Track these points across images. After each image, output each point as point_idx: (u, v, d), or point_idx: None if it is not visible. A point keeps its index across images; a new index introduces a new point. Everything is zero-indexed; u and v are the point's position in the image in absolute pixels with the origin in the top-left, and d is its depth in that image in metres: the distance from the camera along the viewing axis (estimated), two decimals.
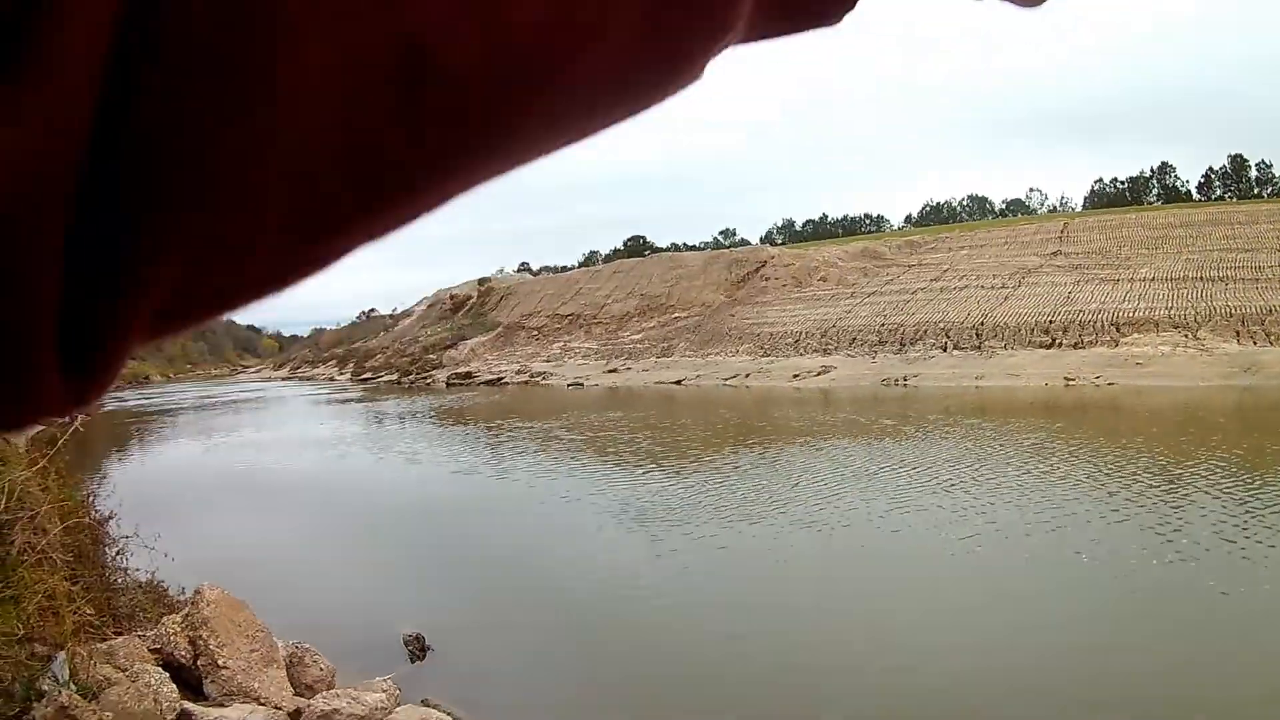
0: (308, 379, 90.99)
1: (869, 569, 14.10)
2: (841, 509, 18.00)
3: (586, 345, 74.95)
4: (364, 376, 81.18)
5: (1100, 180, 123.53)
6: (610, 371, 64.48)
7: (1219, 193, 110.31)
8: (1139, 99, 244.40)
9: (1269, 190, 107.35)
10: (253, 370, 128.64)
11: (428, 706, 8.54)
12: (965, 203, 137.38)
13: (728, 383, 55.03)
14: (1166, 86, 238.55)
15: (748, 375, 55.97)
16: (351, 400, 58.36)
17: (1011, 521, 16.30)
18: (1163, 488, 18.84)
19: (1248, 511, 16.02)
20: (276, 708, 7.42)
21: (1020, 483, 20.23)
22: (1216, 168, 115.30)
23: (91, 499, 11.17)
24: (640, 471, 23.82)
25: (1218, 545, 13.88)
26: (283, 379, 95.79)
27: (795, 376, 53.64)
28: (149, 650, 7.58)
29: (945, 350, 53.78)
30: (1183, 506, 16.78)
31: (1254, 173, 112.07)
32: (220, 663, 7.66)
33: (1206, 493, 17.93)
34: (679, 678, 9.96)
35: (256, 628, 8.36)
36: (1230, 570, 12.58)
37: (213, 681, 7.62)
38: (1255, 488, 18.44)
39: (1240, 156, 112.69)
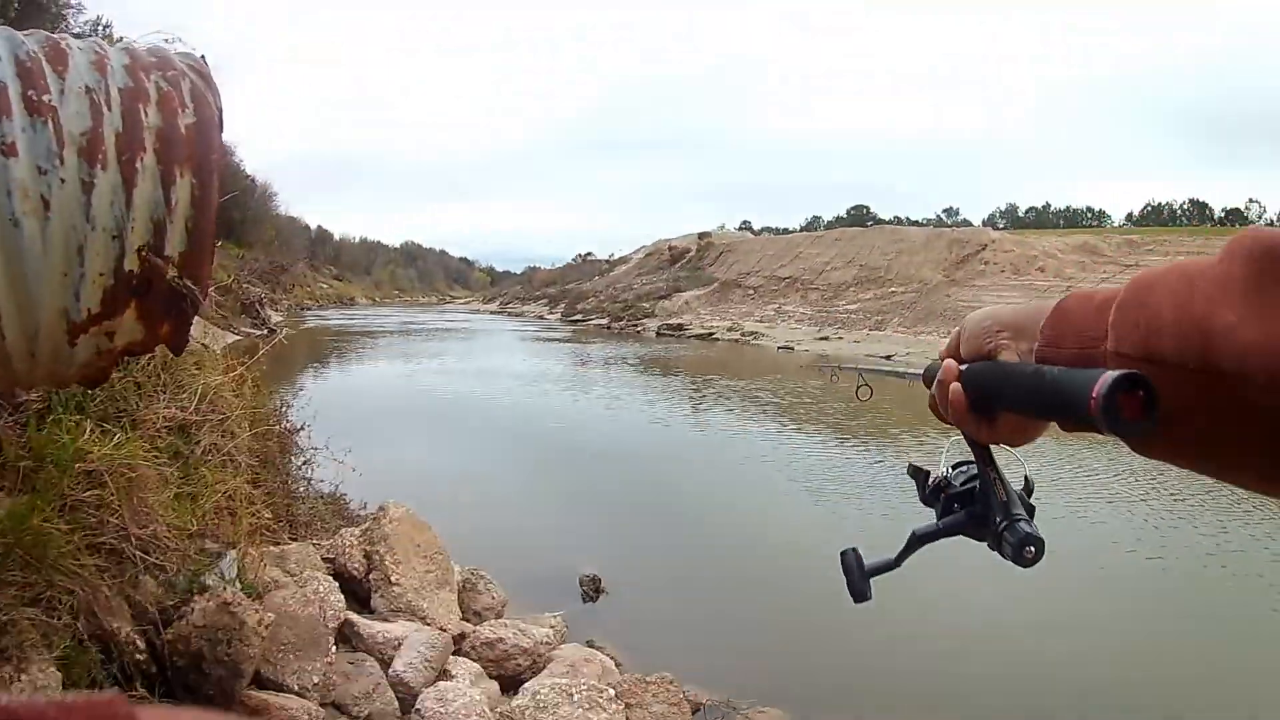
0: (516, 315, 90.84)
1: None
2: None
3: (801, 310, 73.61)
4: (574, 318, 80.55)
5: None
6: (821, 338, 62.81)
7: None
8: None
9: None
10: (461, 301, 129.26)
11: (592, 647, 8.49)
12: (1185, 206, 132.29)
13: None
14: None
15: None
16: (558, 339, 58.35)
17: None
18: None
19: None
20: (441, 629, 7.38)
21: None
22: None
23: (285, 409, 11.31)
24: (834, 444, 23.16)
25: None
26: (491, 312, 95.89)
27: None
28: (322, 559, 7.67)
29: None
30: None
31: None
32: (393, 579, 7.69)
33: None
34: (847, 652, 9.59)
35: (436, 549, 8.38)
36: None
37: (382, 596, 7.65)
38: None
39: None
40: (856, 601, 1.39)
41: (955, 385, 1.09)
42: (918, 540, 1.34)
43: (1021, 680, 9.05)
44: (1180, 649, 9.65)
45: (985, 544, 1.24)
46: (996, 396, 1.05)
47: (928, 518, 1.33)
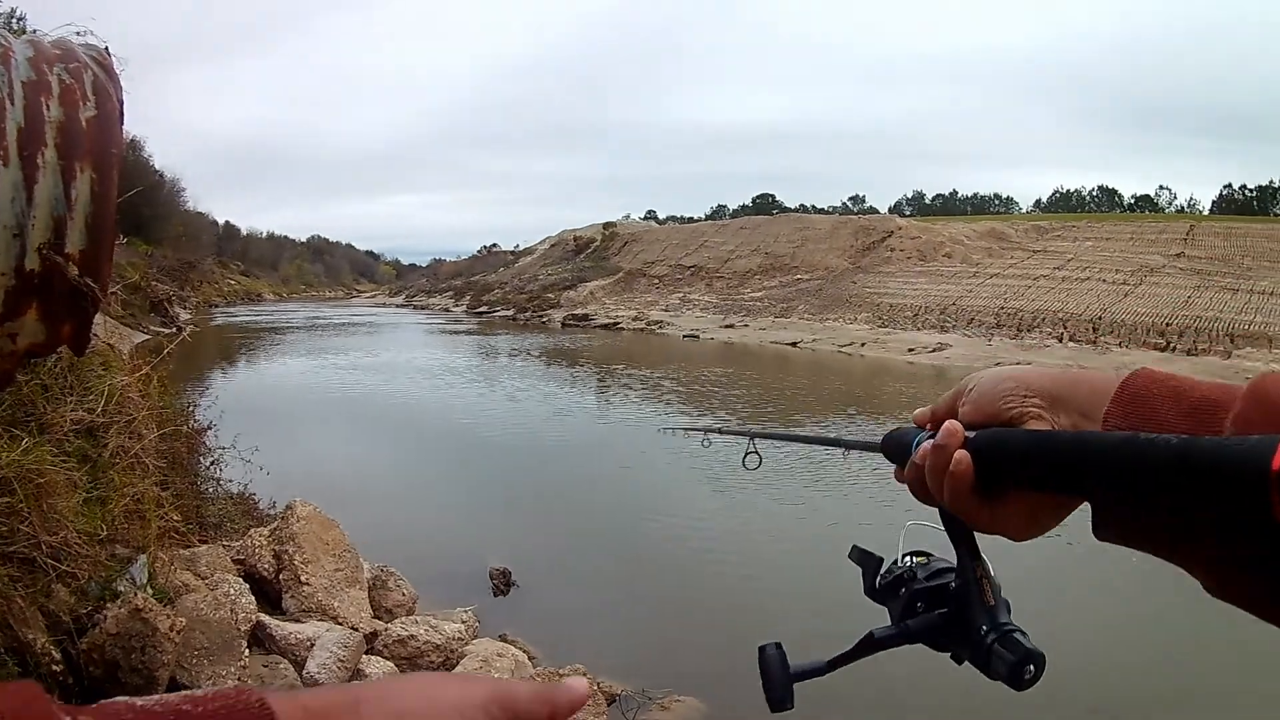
0: (422, 308, 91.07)
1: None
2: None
3: (706, 298, 74.49)
4: (479, 310, 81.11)
5: (1229, 185, 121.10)
6: (727, 326, 63.86)
7: None
8: (1276, 106, 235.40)
9: None
10: (367, 295, 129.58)
11: (505, 641, 8.59)
12: (1094, 193, 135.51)
13: (842, 349, 54.24)
14: None
15: (863, 344, 54.97)
16: (464, 332, 58.65)
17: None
18: None
19: None
20: (353, 628, 7.42)
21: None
22: None
23: (191, 409, 11.27)
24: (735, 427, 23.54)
25: None
26: (397, 306, 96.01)
27: (910, 350, 52.71)
28: (232, 560, 7.64)
29: (1061, 341, 52.44)
30: None
31: None
32: (303, 579, 7.69)
33: None
34: (754, 636, 9.74)
35: (344, 548, 8.41)
36: None
37: (293, 597, 7.64)
38: None
39: None
40: (774, 710, 1.16)
41: (961, 454, 0.93)
42: (874, 644, 1.14)
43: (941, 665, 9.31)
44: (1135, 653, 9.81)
45: (951, 655, 1.10)
46: (1023, 471, 0.88)
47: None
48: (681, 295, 76.19)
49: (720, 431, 2.89)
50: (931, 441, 0.98)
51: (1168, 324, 51.60)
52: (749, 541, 13.66)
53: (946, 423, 0.98)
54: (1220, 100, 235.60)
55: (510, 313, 75.90)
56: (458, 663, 7.54)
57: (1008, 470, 0.90)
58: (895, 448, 1.12)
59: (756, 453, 2.05)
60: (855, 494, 15.78)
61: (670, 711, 8.09)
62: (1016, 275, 64.42)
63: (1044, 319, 55.23)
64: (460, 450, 19.60)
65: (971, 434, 0.95)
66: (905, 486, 1.06)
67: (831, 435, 1.52)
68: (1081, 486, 0.83)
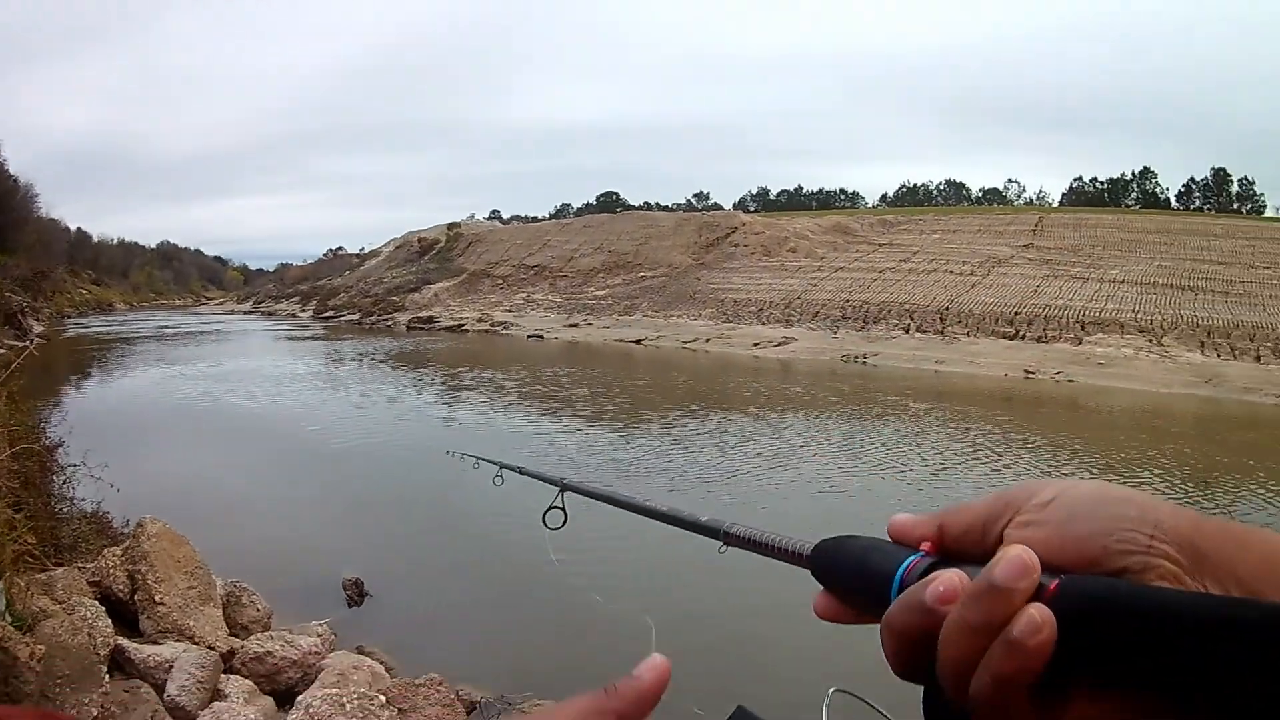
0: (270, 314, 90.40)
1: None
2: (777, 483, 18.43)
3: (550, 298, 75.03)
4: (325, 315, 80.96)
5: (1079, 178, 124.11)
6: (571, 325, 64.59)
7: (1198, 204, 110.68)
8: (1126, 100, 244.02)
9: (1249, 207, 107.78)
10: (216, 302, 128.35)
11: (361, 654, 8.55)
12: (942, 187, 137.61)
13: (687, 345, 55.20)
14: (1155, 89, 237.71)
15: (708, 340, 56.09)
16: (310, 338, 58.25)
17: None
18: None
19: None
20: (210, 647, 7.33)
21: (963, 465, 20.87)
22: (1199, 179, 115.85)
23: (43, 425, 11.03)
24: (584, 429, 24.27)
25: None
26: (245, 312, 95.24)
27: (755, 345, 53.79)
28: (88, 583, 7.51)
29: (908, 332, 53.92)
30: None
31: (1235, 188, 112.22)
32: (157, 598, 7.58)
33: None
34: (609, 638, 9.64)
35: (196, 564, 8.29)
36: None
37: (148, 617, 7.53)
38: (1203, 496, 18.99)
39: (1223, 170, 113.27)
40: None
41: (1042, 614, 0.54)
42: None
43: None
44: None
45: None
46: (1157, 664, 0.48)
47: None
48: (526, 295, 76.64)
49: (521, 471, 2.62)
50: (981, 581, 0.58)
51: (1016, 313, 52.86)
52: (599, 542, 13.83)
53: (1014, 550, 0.59)
54: (1068, 96, 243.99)
55: (356, 317, 76.10)
56: (315, 677, 7.48)
57: (1118, 657, 0.51)
58: (848, 568, 0.73)
59: (563, 509, 1.85)
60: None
61: (532, 717, 8.21)
62: (862, 269, 65.54)
63: (890, 311, 56.24)
64: (307, 459, 19.49)
65: (1054, 579, 0.56)
66: (828, 624, 0.75)
67: (681, 512, 1.23)
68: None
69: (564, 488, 1.85)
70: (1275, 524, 16.64)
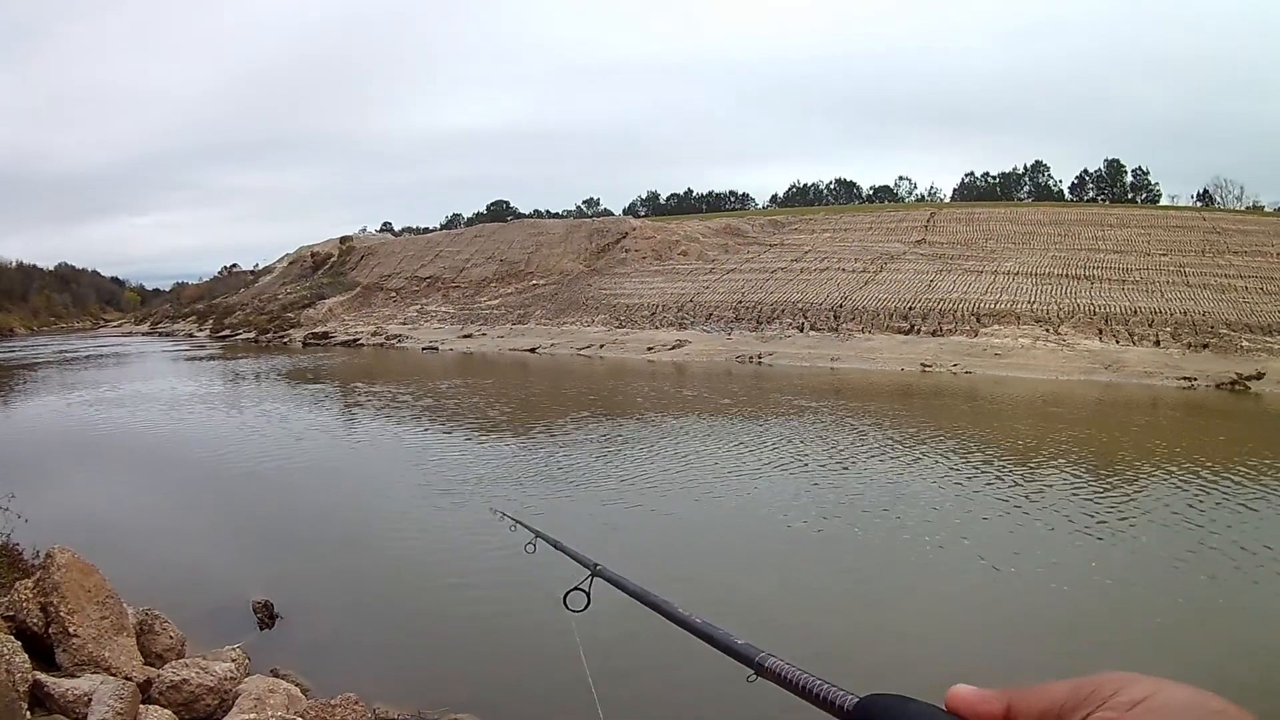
0: (167, 334, 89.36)
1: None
2: (667, 485, 18.71)
3: (444, 309, 75.04)
4: (222, 333, 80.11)
5: (971, 174, 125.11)
6: (465, 336, 64.87)
7: (1092, 195, 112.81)
8: (1018, 95, 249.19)
9: (1144, 196, 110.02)
10: (114, 324, 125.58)
11: (276, 676, 8.42)
12: (833, 187, 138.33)
13: (581, 352, 55.60)
14: (1047, 83, 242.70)
15: (602, 346, 56.59)
16: (207, 358, 57.55)
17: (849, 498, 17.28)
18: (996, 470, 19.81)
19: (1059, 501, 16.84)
20: (127, 678, 7.10)
21: (863, 462, 21.04)
22: (1091, 170, 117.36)
23: None
24: (478, 441, 24.29)
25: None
26: (143, 334, 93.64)
27: (649, 349, 54.34)
28: (2, 618, 7.31)
29: (802, 330, 54.54)
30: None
31: (1130, 178, 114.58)
32: (71, 630, 7.34)
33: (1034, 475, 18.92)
34: (519, 648, 10.07)
35: (106, 593, 8.03)
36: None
37: (64, 650, 7.30)
38: (1098, 476, 19.61)
39: (1117, 161, 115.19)
40: None
41: None
42: None
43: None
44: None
45: None
46: None
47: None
48: (419, 307, 76.49)
49: (556, 545, 2.55)
50: None
51: (910, 308, 53.43)
52: (506, 554, 13.88)
53: None
54: (959, 93, 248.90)
55: (252, 334, 75.55)
56: (233, 703, 7.29)
57: None
58: None
59: (586, 591, 1.81)
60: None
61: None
62: (754, 269, 66.19)
63: (784, 310, 56.67)
64: (208, 483, 19.14)
65: None
66: None
67: (715, 630, 1.17)
68: None
69: (595, 573, 1.77)
70: (1176, 502, 17.14)
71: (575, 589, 1.64)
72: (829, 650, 9.91)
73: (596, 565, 1.73)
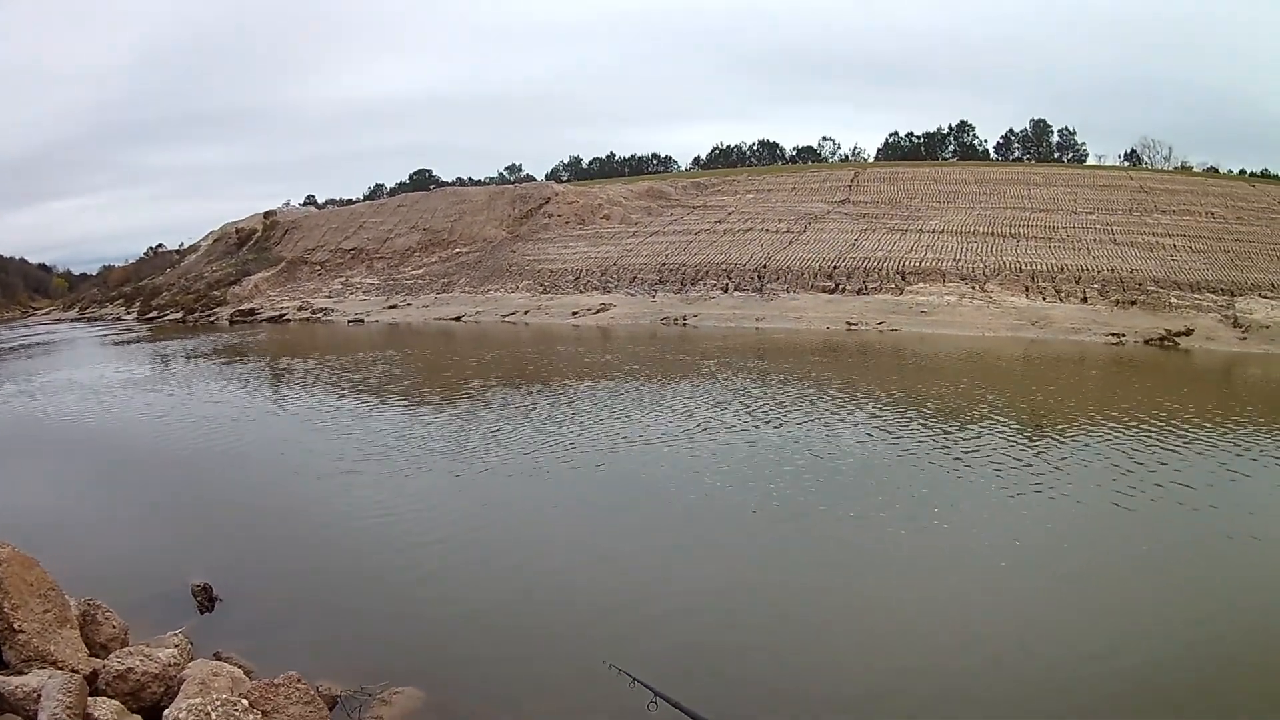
0: (95, 319, 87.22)
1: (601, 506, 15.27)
2: (580, 448, 19.21)
3: (368, 280, 74.57)
4: (149, 315, 78.65)
5: (895, 134, 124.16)
6: (390, 307, 64.60)
7: (1017, 155, 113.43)
8: (943, 54, 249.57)
9: (1070, 156, 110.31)
10: (43, 312, 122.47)
11: (219, 660, 8.47)
12: (756, 148, 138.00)
13: (507, 319, 55.60)
14: (972, 42, 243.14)
15: (527, 312, 56.59)
16: (135, 340, 56.73)
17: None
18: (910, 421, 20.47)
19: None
20: (74, 671, 7.10)
21: (792, 419, 21.52)
22: (1017, 130, 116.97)
23: None
24: (404, 412, 24.43)
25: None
26: (72, 320, 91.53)
27: (574, 314, 54.47)
28: None
29: (726, 291, 54.66)
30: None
31: (1056, 138, 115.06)
32: (16, 626, 7.32)
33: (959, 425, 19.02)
34: (454, 616, 10.43)
35: (48, 586, 7.99)
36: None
37: (10, 647, 7.28)
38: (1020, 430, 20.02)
39: (1043, 121, 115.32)
40: None
41: None
42: None
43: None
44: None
45: None
46: None
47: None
48: (344, 280, 75.97)
49: (678, 706, 2.52)
50: None
51: (835, 267, 53.58)
52: (442, 526, 13.97)
53: None
54: (882, 52, 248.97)
55: (180, 315, 74.30)
56: (179, 688, 7.32)
57: None
58: None
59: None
60: None
61: (392, 705, 8.18)
62: (678, 232, 66.19)
63: (708, 271, 56.80)
64: (140, 466, 19.03)
65: None
66: None
67: None
68: None
69: None
70: (1106, 452, 17.69)
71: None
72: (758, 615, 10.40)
73: None
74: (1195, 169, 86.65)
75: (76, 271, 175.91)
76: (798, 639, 10.03)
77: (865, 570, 11.98)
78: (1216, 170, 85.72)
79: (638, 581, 11.50)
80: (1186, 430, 19.75)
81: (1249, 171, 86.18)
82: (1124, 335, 39.02)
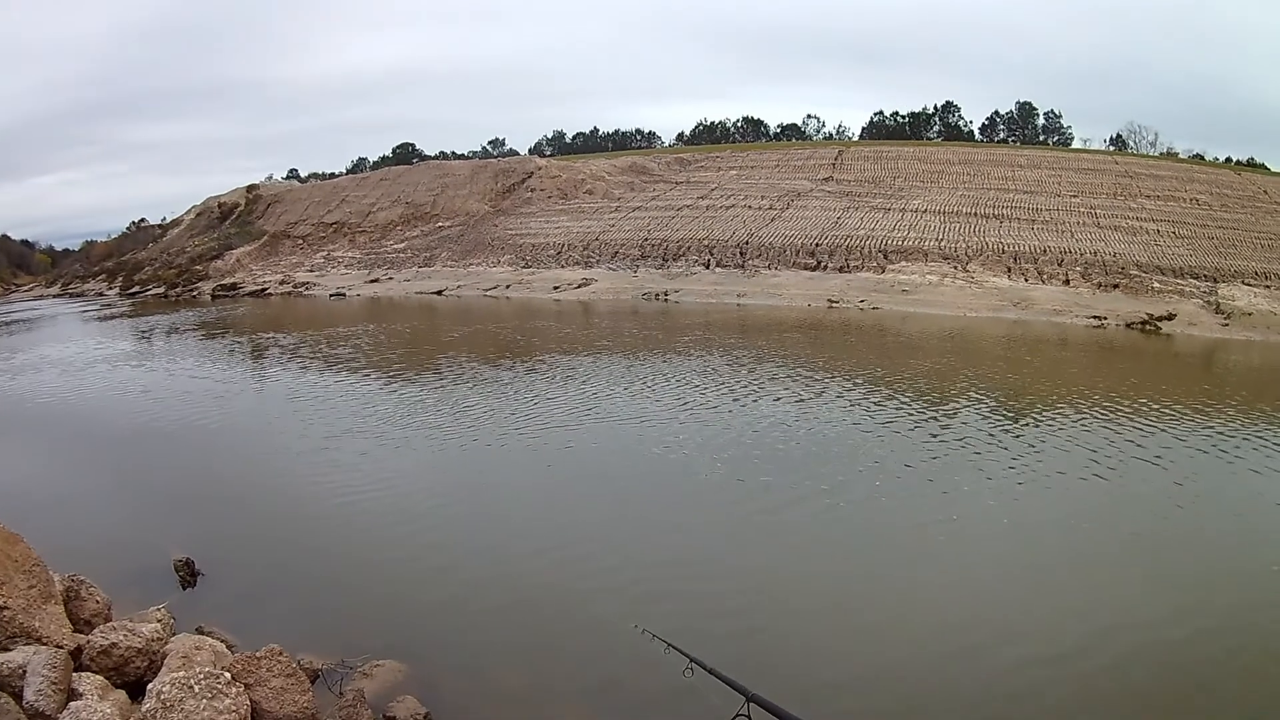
0: (78, 295, 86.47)
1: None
2: (565, 425, 19.22)
3: (351, 254, 74.33)
4: (132, 290, 78.27)
5: (880, 113, 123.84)
6: (372, 281, 64.46)
7: (1002, 136, 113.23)
8: (930, 33, 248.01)
9: (1055, 139, 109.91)
10: (26, 289, 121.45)
11: (202, 634, 8.54)
12: (740, 125, 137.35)
13: (488, 293, 55.49)
14: (959, 22, 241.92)
15: (508, 286, 56.45)
16: (117, 316, 56.29)
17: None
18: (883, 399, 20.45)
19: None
20: (58, 646, 7.16)
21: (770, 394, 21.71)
22: (1003, 112, 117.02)
23: None
24: (384, 386, 24.50)
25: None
26: (55, 296, 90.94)
27: (556, 288, 54.43)
28: None
29: (708, 267, 54.74)
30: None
31: (1041, 120, 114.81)
32: (1, 603, 7.32)
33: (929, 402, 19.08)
34: (435, 590, 10.54)
35: (33, 561, 8.02)
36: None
37: None
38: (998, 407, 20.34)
39: (1029, 104, 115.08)
40: None
41: None
42: None
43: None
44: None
45: None
46: None
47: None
48: (326, 253, 75.71)
49: (710, 671, 2.52)
50: None
51: (817, 244, 53.63)
52: (423, 501, 14.09)
53: None
54: (869, 31, 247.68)
55: (162, 290, 73.93)
56: (162, 663, 7.41)
57: None
58: None
59: (748, 716, 1.70)
60: None
61: (374, 678, 8.27)
62: (660, 207, 65.95)
63: (690, 247, 56.75)
64: (122, 442, 18.99)
65: None
66: None
67: None
68: None
69: (750, 699, 1.70)
70: (1084, 432, 17.96)
71: (738, 716, 1.62)
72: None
73: (754, 694, 1.66)
74: (1181, 156, 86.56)
75: (60, 247, 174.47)
76: (786, 610, 10.21)
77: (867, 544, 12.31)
78: (1202, 158, 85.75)
79: (618, 557, 11.60)
80: (1171, 413, 20.00)
81: (1235, 160, 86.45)
82: (1105, 318, 39.15)
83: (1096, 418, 19.48)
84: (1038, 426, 18.80)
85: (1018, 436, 17.88)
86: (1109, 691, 8.54)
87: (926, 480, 14.92)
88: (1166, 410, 20.29)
